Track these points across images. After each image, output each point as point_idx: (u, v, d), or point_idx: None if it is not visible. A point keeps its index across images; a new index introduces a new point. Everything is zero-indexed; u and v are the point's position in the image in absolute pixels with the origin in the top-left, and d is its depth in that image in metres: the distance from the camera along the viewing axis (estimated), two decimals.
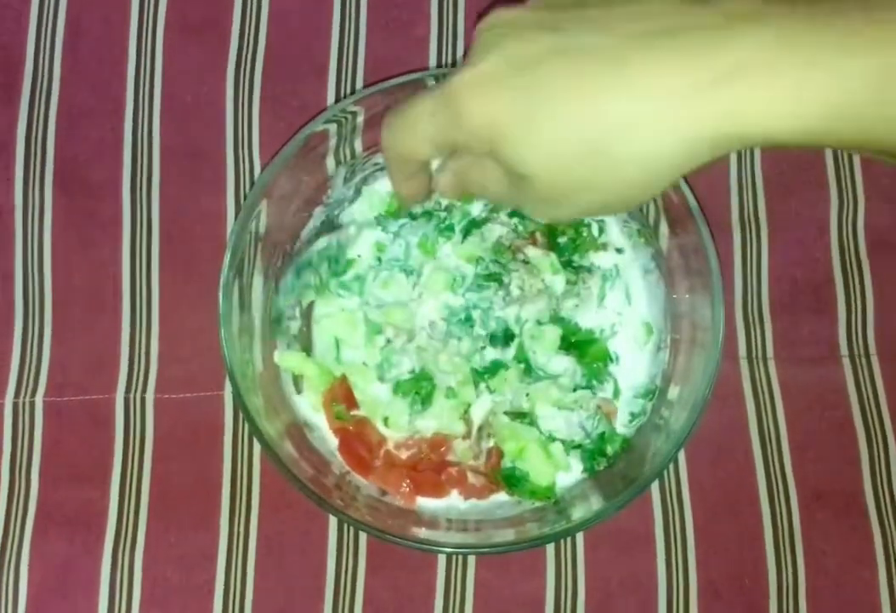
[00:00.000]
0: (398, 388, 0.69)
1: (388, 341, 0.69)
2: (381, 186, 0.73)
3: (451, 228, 0.71)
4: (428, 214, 0.72)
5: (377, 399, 0.69)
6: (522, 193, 0.46)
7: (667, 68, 0.39)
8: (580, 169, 0.42)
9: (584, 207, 0.46)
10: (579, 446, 0.67)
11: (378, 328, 0.70)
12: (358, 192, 0.73)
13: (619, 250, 0.72)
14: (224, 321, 0.63)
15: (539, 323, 0.68)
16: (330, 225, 0.73)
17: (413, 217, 0.72)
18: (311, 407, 0.70)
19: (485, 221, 0.72)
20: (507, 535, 0.63)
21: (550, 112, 0.41)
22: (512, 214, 0.72)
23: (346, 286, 0.71)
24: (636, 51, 0.40)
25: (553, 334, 0.68)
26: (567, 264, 0.70)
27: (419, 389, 0.68)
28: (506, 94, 0.42)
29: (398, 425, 0.68)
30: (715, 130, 0.39)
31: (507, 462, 0.67)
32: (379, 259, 0.71)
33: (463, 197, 0.54)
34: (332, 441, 0.69)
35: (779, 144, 0.40)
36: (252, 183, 0.75)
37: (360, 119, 0.69)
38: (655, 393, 0.68)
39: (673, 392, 0.66)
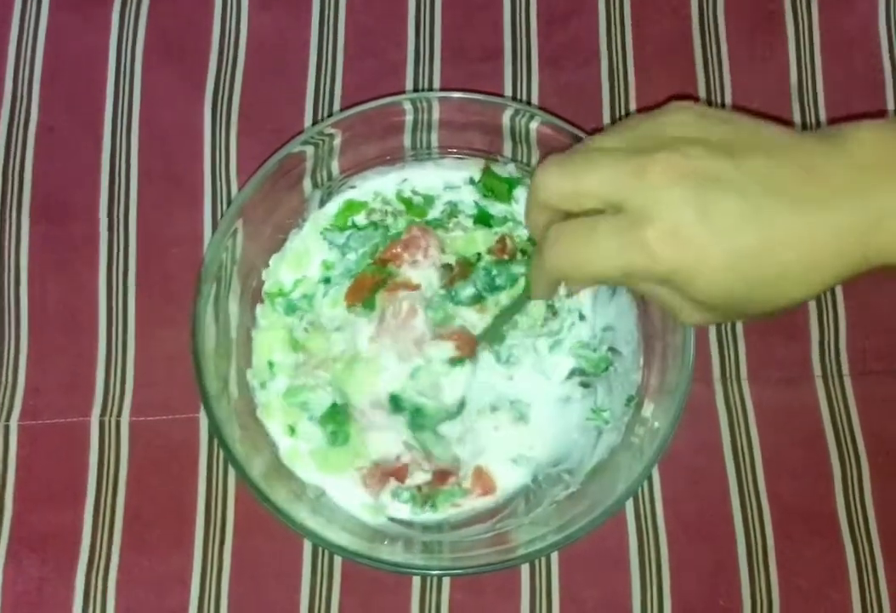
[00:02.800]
0: (321, 421, 0.69)
1: (299, 364, 0.69)
2: (331, 209, 0.73)
3: (399, 236, 0.71)
4: (374, 225, 0.72)
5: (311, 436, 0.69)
6: (690, 309, 0.52)
7: (831, 219, 0.47)
8: (755, 298, 0.50)
9: (740, 315, 0.55)
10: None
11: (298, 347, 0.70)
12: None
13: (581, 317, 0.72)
14: (198, 346, 0.63)
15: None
16: None
17: (358, 228, 0.72)
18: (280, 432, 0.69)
19: (438, 224, 0.72)
20: (482, 557, 0.63)
21: (734, 260, 0.48)
22: (478, 221, 0.72)
23: (294, 306, 0.71)
24: (811, 191, 0.48)
25: None
26: None
27: (335, 421, 0.68)
28: (699, 247, 0.48)
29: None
30: (862, 257, 0.48)
31: None
32: (328, 279, 0.71)
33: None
34: (279, 434, 0.69)
35: None
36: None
37: (337, 141, 0.69)
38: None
39: (647, 410, 0.66)
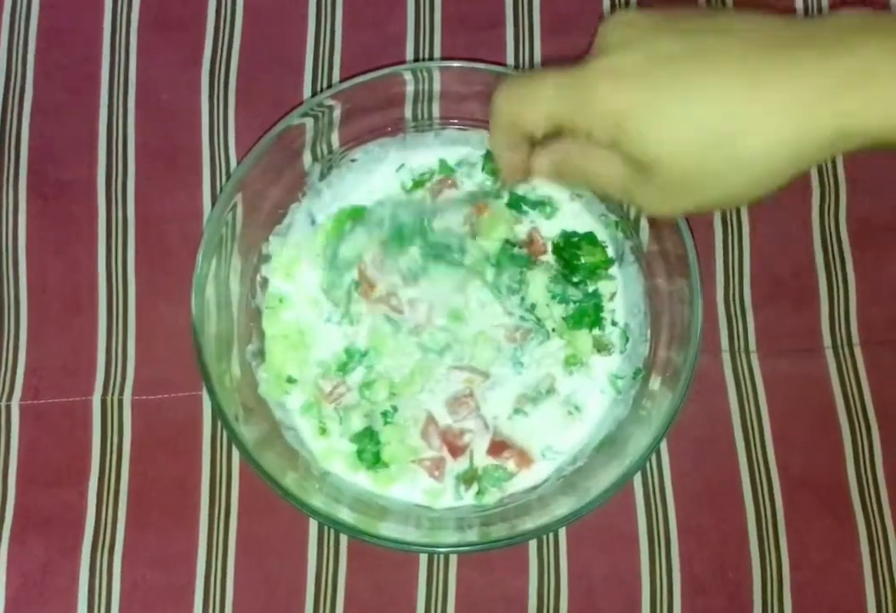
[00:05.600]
0: (357, 441, 0.68)
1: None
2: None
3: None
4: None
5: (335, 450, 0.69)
6: (641, 183, 0.48)
7: (793, 72, 0.43)
8: (707, 158, 0.45)
9: (701, 198, 0.48)
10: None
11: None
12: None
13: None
14: (199, 325, 0.62)
15: None
16: None
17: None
18: (297, 411, 0.69)
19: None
20: (489, 532, 0.63)
21: (685, 103, 0.44)
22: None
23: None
24: (765, 57, 0.43)
25: None
26: (575, 285, 0.70)
27: (367, 448, 0.68)
28: (642, 84, 0.45)
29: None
30: (835, 128, 0.42)
31: None
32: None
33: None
34: (311, 437, 0.69)
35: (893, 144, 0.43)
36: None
37: (337, 113, 0.68)
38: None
39: (654, 383, 0.66)
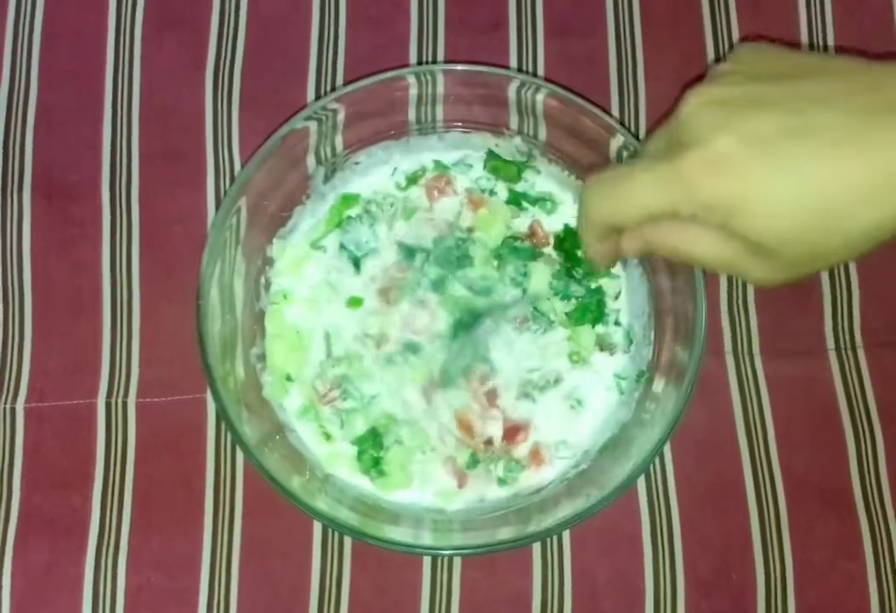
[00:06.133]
0: (359, 444, 0.68)
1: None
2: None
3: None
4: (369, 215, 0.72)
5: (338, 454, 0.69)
6: (755, 261, 0.47)
7: None
8: (828, 233, 0.45)
9: (816, 268, 0.48)
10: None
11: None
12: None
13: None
14: (203, 329, 0.62)
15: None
16: None
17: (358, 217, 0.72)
18: (295, 413, 0.69)
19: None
20: (494, 535, 0.63)
21: (796, 186, 0.44)
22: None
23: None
24: (869, 125, 0.43)
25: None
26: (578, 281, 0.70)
27: (372, 449, 0.67)
28: (745, 172, 0.44)
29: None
30: None
31: None
32: (356, 260, 0.71)
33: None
34: (314, 441, 0.68)
35: None
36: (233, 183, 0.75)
37: (341, 116, 0.68)
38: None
39: (657, 386, 0.66)
